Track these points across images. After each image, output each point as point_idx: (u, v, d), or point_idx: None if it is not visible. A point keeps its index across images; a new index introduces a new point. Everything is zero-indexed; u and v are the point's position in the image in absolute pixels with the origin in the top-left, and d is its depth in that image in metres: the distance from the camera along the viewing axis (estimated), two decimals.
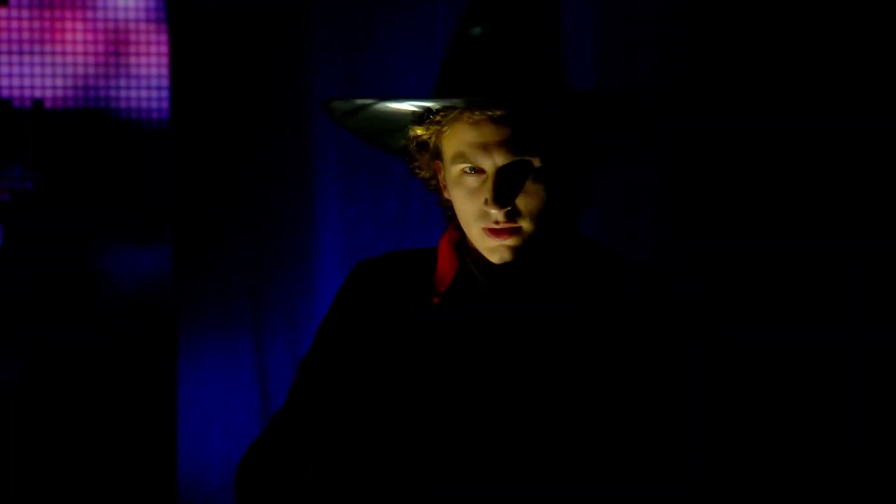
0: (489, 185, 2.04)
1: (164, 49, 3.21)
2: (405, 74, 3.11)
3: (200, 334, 3.13)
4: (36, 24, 3.20)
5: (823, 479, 3.02)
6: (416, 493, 2.02)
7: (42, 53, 3.21)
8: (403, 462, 2.01)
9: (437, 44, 3.07)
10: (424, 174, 2.16)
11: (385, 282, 2.17)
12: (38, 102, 3.21)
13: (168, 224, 3.16)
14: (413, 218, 3.13)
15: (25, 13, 3.20)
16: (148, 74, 3.23)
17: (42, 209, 3.21)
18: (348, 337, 2.15)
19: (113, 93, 3.23)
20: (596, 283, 2.13)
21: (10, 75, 3.21)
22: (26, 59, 3.21)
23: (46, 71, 3.21)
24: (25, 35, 3.21)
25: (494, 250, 2.07)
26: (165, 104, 3.21)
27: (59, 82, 3.22)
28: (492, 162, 2.03)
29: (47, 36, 3.21)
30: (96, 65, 3.23)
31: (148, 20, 3.23)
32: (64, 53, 3.21)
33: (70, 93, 3.22)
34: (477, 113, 2.03)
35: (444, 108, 2.06)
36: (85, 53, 3.22)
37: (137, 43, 3.23)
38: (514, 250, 2.07)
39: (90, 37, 3.22)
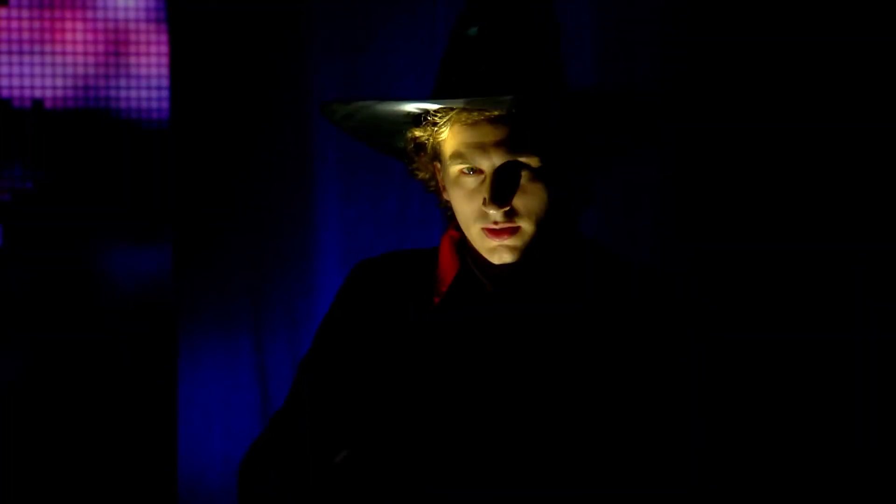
0: (487, 185, 2.04)
1: (164, 49, 3.21)
2: (405, 74, 3.11)
3: (200, 334, 3.13)
4: (36, 24, 3.21)
5: (823, 479, 3.02)
6: (417, 492, 2.02)
7: (42, 53, 3.21)
8: (404, 462, 2.01)
9: (437, 44, 3.07)
10: (423, 175, 2.16)
11: (385, 282, 2.17)
12: (38, 102, 3.21)
13: (168, 224, 3.16)
14: (413, 218, 3.13)
15: (25, 13, 3.20)
16: (148, 74, 3.23)
17: (42, 209, 3.21)
18: (348, 337, 2.15)
19: (113, 93, 3.23)
20: (596, 284, 2.13)
21: (10, 75, 3.21)
22: (26, 59, 3.21)
23: (46, 71, 3.21)
24: (25, 35, 3.21)
25: (494, 250, 2.07)
26: (165, 104, 3.21)
27: (59, 82, 3.22)
28: (490, 162, 2.04)
29: (47, 36, 3.21)
30: (96, 65, 3.23)
31: (148, 20, 3.23)
32: (64, 53, 3.21)
33: (70, 93, 3.22)
34: (475, 113, 2.03)
35: (442, 109, 2.06)
36: (85, 53, 3.22)
37: (137, 43, 3.23)
38: (514, 250, 2.07)
39: (90, 37, 3.22)
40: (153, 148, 3.22)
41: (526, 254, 2.08)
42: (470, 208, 2.06)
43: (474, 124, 2.03)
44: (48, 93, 3.22)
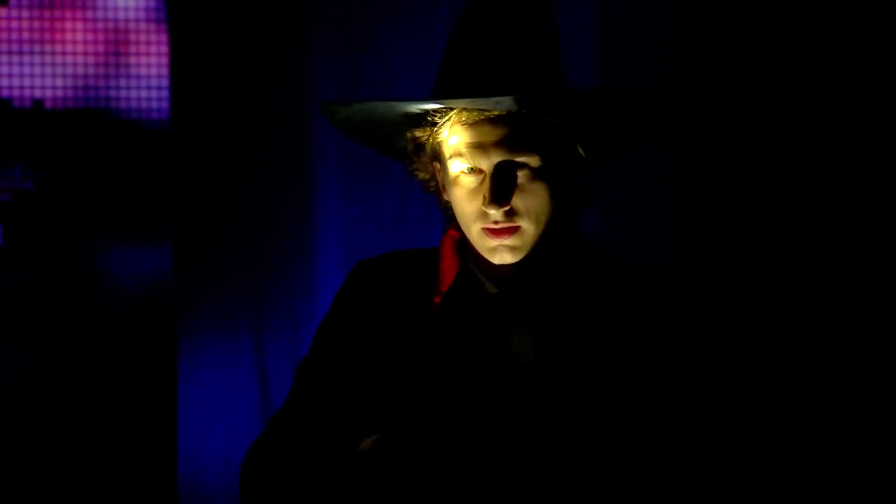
0: (487, 184, 2.04)
1: (164, 49, 3.21)
2: (405, 74, 3.11)
3: (200, 334, 3.13)
4: (36, 24, 3.21)
5: (823, 479, 3.02)
6: (417, 492, 2.02)
7: (42, 53, 3.21)
8: (404, 461, 2.01)
9: (437, 44, 3.07)
10: (423, 175, 2.16)
11: (385, 282, 2.17)
12: (38, 102, 3.21)
13: (168, 224, 3.16)
14: (413, 218, 3.13)
15: (25, 13, 3.20)
16: (148, 74, 3.23)
17: (42, 209, 3.21)
18: (348, 337, 2.15)
19: (113, 93, 3.23)
20: (596, 284, 2.13)
21: (10, 75, 3.21)
22: (26, 59, 3.21)
23: (46, 71, 3.21)
24: (25, 35, 3.21)
25: (494, 250, 2.07)
26: (165, 104, 3.21)
27: (59, 82, 3.22)
28: (490, 162, 2.04)
29: (47, 36, 3.21)
30: (96, 65, 3.23)
31: (148, 20, 3.23)
32: (64, 53, 3.22)
33: (70, 93, 3.22)
34: (475, 113, 2.03)
35: (442, 109, 2.06)
36: (85, 53, 3.22)
37: (137, 43, 3.23)
38: (514, 250, 2.07)
39: (90, 37, 3.22)
40: (153, 148, 3.22)
41: (526, 254, 2.08)
42: (470, 208, 2.06)
43: (474, 124, 2.04)
44: (48, 93, 3.22)
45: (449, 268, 2.15)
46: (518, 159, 2.04)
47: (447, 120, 2.05)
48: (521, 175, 2.04)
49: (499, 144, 2.03)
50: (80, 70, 3.22)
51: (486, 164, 2.04)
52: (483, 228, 2.06)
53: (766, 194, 3.09)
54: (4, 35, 3.20)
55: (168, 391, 3.14)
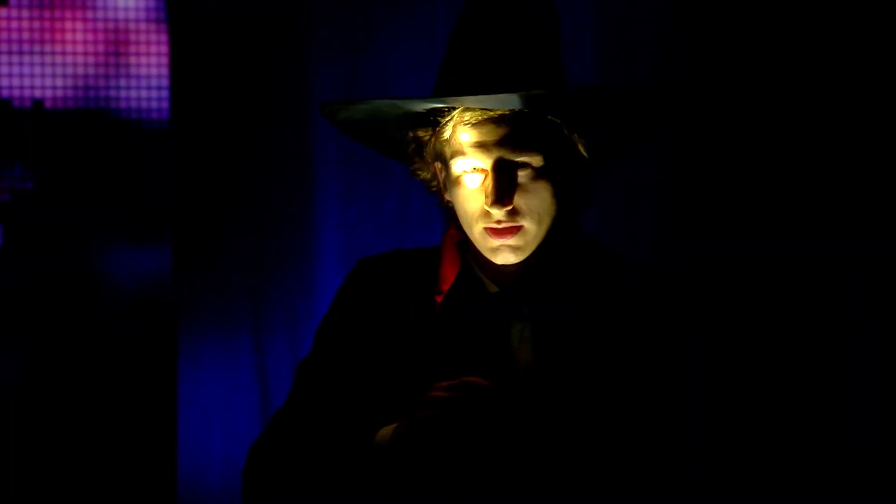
0: (490, 184, 2.04)
1: (164, 49, 3.21)
2: (405, 74, 3.11)
3: (200, 334, 3.13)
4: (36, 24, 3.20)
5: (823, 479, 3.02)
6: (417, 492, 2.02)
7: (42, 53, 3.21)
8: (405, 461, 2.01)
9: (437, 44, 3.07)
10: (425, 175, 2.16)
11: (387, 280, 2.17)
12: (38, 102, 3.21)
13: (168, 224, 3.16)
14: (413, 218, 3.13)
15: (25, 13, 3.20)
16: (148, 74, 3.23)
17: (42, 209, 3.21)
18: (350, 335, 2.14)
19: (113, 93, 3.23)
20: (596, 284, 2.13)
21: (10, 75, 3.21)
22: (26, 59, 3.21)
23: (46, 71, 3.21)
24: (25, 35, 3.21)
25: (496, 250, 2.07)
26: (165, 104, 3.21)
27: (59, 82, 3.22)
28: (492, 161, 2.03)
29: (47, 36, 3.21)
30: (96, 65, 3.23)
31: (148, 20, 3.23)
32: (64, 53, 3.21)
33: (70, 93, 3.22)
34: (478, 112, 2.03)
35: (445, 109, 2.06)
36: (85, 53, 3.22)
37: (137, 43, 3.23)
38: (517, 250, 2.07)
39: (90, 37, 3.22)
40: (153, 148, 3.22)
41: (528, 253, 2.08)
42: (472, 208, 2.06)
43: (477, 123, 2.03)
44: (48, 93, 3.22)
45: (450, 267, 2.15)
46: (521, 159, 2.04)
47: (450, 119, 2.05)
48: (524, 174, 2.04)
49: (501, 144, 2.03)
50: (80, 70, 3.22)
51: (489, 163, 2.04)
52: (485, 228, 2.06)
53: (766, 194, 3.09)
54: (4, 35, 3.20)
55: (168, 391, 3.14)
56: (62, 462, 3.17)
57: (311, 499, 2.05)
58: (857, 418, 3.04)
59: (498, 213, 2.03)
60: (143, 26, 3.23)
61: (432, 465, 2.00)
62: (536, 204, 2.05)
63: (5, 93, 3.21)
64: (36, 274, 3.20)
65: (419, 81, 3.07)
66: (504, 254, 2.07)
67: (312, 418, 2.09)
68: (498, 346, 2.08)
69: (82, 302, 3.20)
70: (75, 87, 3.22)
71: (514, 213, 2.04)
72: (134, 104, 3.23)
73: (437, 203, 2.18)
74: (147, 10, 3.23)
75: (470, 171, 2.05)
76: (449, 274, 2.14)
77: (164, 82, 3.22)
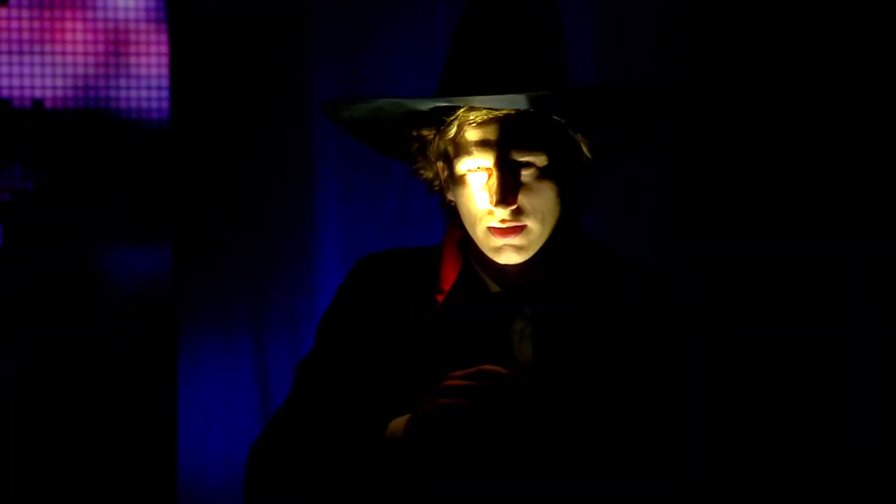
0: (494, 183, 2.04)
1: (164, 49, 3.21)
2: (405, 74, 3.11)
3: (200, 334, 3.13)
4: (36, 24, 3.20)
5: (823, 480, 3.02)
6: (418, 492, 2.02)
7: (42, 53, 3.21)
8: (425, 450, 2.01)
9: (437, 44, 3.07)
10: (427, 175, 2.16)
11: (387, 279, 2.16)
12: (38, 102, 3.21)
13: (168, 224, 3.16)
14: (413, 217, 3.13)
15: (25, 13, 3.20)
16: (148, 74, 3.23)
17: (42, 209, 3.21)
18: (351, 334, 2.14)
19: (113, 93, 3.23)
20: (597, 283, 2.13)
21: (10, 75, 3.21)
22: (26, 59, 3.21)
23: (46, 71, 3.21)
24: (25, 35, 3.21)
25: (500, 250, 2.07)
26: (165, 104, 3.21)
27: (59, 82, 3.22)
28: (496, 161, 2.03)
29: (47, 36, 3.21)
30: (96, 65, 3.23)
31: (148, 20, 3.23)
32: (64, 53, 3.21)
33: (70, 93, 3.22)
34: (483, 112, 2.03)
35: (449, 108, 2.05)
36: (85, 53, 3.22)
37: (137, 43, 3.23)
38: (520, 250, 2.07)
39: (90, 37, 3.22)
40: (153, 148, 3.22)
41: (531, 253, 2.08)
42: (476, 207, 2.06)
43: (482, 123, 2.03)
44: (48, 93, 3.22)
45: (451, 267, 2.15)
46: (525, 158, 2.04)
47: (455, 118, 2.05)
48: (528, 174, 2.05)
49: (506, 143, 2.03)
50: (80, 70, 3.22)
51: (494, 162, 2.03)
52: (489, 228, 2.06)
53: (766, 194, 3.09)
54: (4, 35, 3.20)
55: (168, 391, 3.14)
56: (62, 462, 3.17)
57: (313, 498, 2.05)
58: (857, 418, 3.04)
59: (502, 212, 2.03)
60: (143, 26, 3.23)
61: (454, 454, 1.99)
62: (540, 204, 2.05)
63: (5, 93, 3.21)
64: (36, 274, 3.20)
65: (419, 81, 3.07)
66: (508, 253, 2.07)
67: (314, 417, 2.09)
68: (498, 346, 2.08)
69: (82, 302, 3.20)
70: (75, 87, 3.22)
71: (518, 213, 2.04)
72: (134, 104, 3.23)
73: (438, 203, 2.18)
74: (147, 10, 3.23)
75: (474, 171, 2.05)
76: (450, 273, 2.14)
77: (164, 82, 3.22)
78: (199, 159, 3.12)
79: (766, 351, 3.04)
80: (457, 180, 2.08)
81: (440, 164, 2.13)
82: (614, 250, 2.20)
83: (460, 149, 2.05)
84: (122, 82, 3.23)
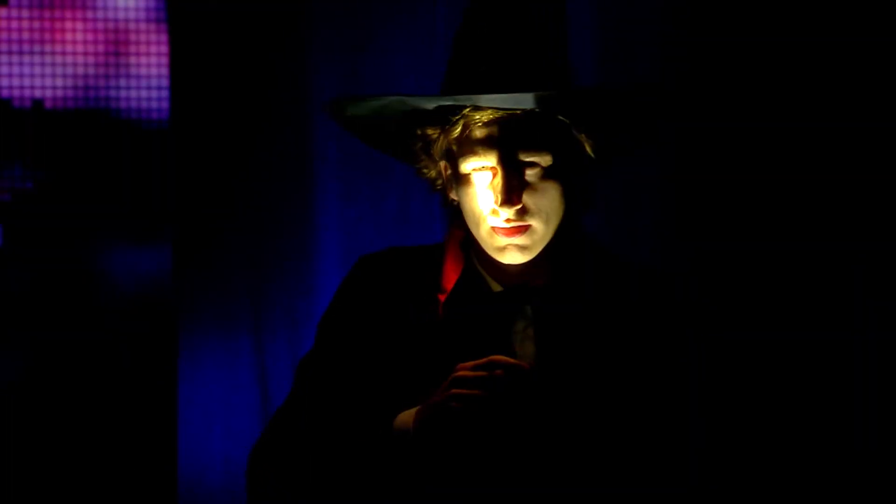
0: (499, 183, 2.04)
1: (164, 49, 3.21)
2: (405, 74, 3.11)
3: (200, 334, 3.13)
4: (36, 24, 3.20)
5: (823, 479, 3.02)
6: (418, 492, 2.02)
7: (42, 53, 3.21)
8: (414, 452, 2.01)
9: (437, 44, 3.07)
10: (430, 174, 2.16)
11: (388, 278, 2.16)
12: (38, 102, 3.21)
13: (168, 224, 3.16)
14: (413, 217, 3.13)
15: (25, 13, 3.20)
16: (148, 74, 3.23)
17: (42, 209, 3.21)
18: (351, 333, 2.14)
19: (113, 93, 3.23)
20: (598, 283, 2.13)
21: (10, 75, 3.20)
22: (26, 59, 3.21)
23: (46, 71, 3.21)
24: (25, 35, 3.21)
25: (504, 250, 2.07)
26: (165, 104, 3.21)
27: (59, 82, 3.22)
28: (502, 160, 2.03)
29: (47, 36, 3.21)
30: (96, 65, 3.23)
31: (148, 20, 3.23)
32: (64, 53, 3.21)
33: (70, 93, 3.22)
34: (488, 111, 2.03)
35: (455, 107, 2.05)
36: (85, 53, 3.22)
37: (137, 43, 3.23)
38: (524, 250, 2.07)
39: (90, 37, 3.22)
40: (153, 148, 3.22)
41: (534, 253, 2.08)
42: (480, 206, 2.06)
43: (488, 122, 2.03)
44: (48, 93, 3.21)
45: (453, 266, 2.15)
46: (530, 158, 2.04)
47: (460, 117, 2.05)
48: (533, 174, 2.05)
49: (511, 143, 2.03)
50: (80, 70, 3.22)
51: (499, 162, 2.03)
52: (493, 227, 2.06)
53: (766, 194, 3.09)
54: (4, 35, 3.20)
55: (168, 391, 3.14)
56: (62, 462, 3.17)
57: (315, 497, 2.05)
58: (857, 418, 3.04)
59: (507, 211, 2.03)
60: (143, 26, 3.23)
61: (464, 445, 1.99)
62: (545, 204, 2.05)
63: (5, 93, 3.21)
64: (36, 274, 3.20)
65: (419, 81, 3.07)
66: (512, 253, 2.07)
67: (315, 415, 2.09)
68: (500, 346, 2.08)
69: (82, 302, 3.20)
70: (75, 87, 3.22)
71: (522, 213, 2.04)
72: (134, 104, 3.23)
73: (440, 202, 2.18)
74: (147, 10, 3.23)
75: (479, 170, 2.05)
76: (452, 273, 2.14)
77: (164, 82, 3.21)
78: (199, 159, 3.12)
79: (766, 351, 3.04)
80: (461, 179, 2.07)
81: (444, 164, 2.12)
82: (614, 250, 2.20)
83: (465, 148, 2.05)
84: (122, 82, 3.23)
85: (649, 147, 2.45)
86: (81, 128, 3.22)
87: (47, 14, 3.21)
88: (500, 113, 2.03)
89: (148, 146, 3.22)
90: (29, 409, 3.17)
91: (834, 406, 3.05)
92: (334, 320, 2.17)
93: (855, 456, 3.03)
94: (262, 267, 3.14)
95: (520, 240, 2.06)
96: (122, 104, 3.23)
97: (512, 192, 2.03)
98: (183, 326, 3.13)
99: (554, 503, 2.04)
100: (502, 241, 2.06)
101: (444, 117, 2.07)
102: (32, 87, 3.21)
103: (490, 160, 2.04)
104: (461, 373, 1.98)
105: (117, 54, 3.23)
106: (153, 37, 3.23)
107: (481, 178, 2.06)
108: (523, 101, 2.02)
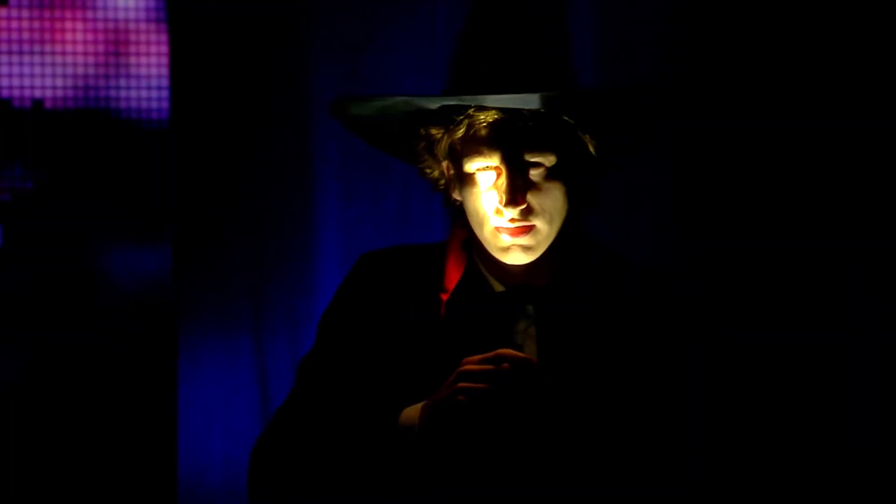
0: (504, 183, 2.04)
1: (164, 49, 3.21)
2: (405, 74, 3.11)
3: (200, 334, 3.13)
4: (36, 24, 3.20)
5: (823, 479, 3.02)
6: (421, 490, 2.02)
7: (42, 53, 3.21)
8: (420, 446, 2.01)
9: (437, 44, 3.07)
10: (433, 174, 2.16)
11: (390, 277, 2.16)
12: (38, 102, 3.21)
13: (168, 224, 3.16)
14: (413, 217, 3.13)
15: (25, 13, 3.20)
16: (148, 74, 3.23)
17: (42, 209, 3.21)
18: (353, 331, 2.14)
19: (113, 93, 3.23)
20: (600, 284, 2.13)
21: (10, 75, 3.20)
22: (26, 59, 3.21)
23: (46, 71, 3.21)
24: (25, 35, 3.20)
25: (508, 250, 2.07)
26: (165, 104, 3.21)
27: (59, 82, 3.22)
28: (506, 160, 2.03)
29: (47, 36, 3.21)
30: (96, 65, 3.23)
31: (148, 20, 3.23)
32: (64, 53, 3.21)
33: (70, 93, 3.22)
34: (493, 111, 2.03)
35: (459, 106, 2.05)
36: (85, 53, 3.22)
37: (137, 43, 3.23)
38: (528, 250, 2.07)
39: (90, 37, 3.22)
40: (153, 148, 3.22)
41: (537, 253, 2.08)
42: (484, 206, 2.06)
43: (492, 122, 2.03)
44: (48, 93, 3.21)
45: (455, 266, 2.15)
46: (534, 158, 2.04)
47: (465, 117, 2.05)
48: (537, 174, 2.05)
49: (516, 143, 2.03)
50: (80, 70, 3.22)
51: (503, 162, 2.04)
52: (497, 227, 2.06)
53: (766, 194, 3.09)
54: (4, 35, 3.20)
55: (168, 391, 3.14)
56: (62, 462, 3.17)
57: (317, 495, 2.05)
58: (857, 418, 3.03)
59: (511, 211, 2.03)
60: (143, 26, 3.23)
61: (471, 440, 1.99)
62: (549, 204, 2.05)
63: (5, 93, 3.21)
64: (36, 274, 3.20)
65: (419, 81, 3.07)
66: (516, 253, 2.07)
67: (317, 413, 2.09)
68: (502, 345, 2.08)
69: (82, 302, 3.20)
70: (75, 87, 3.22)
71: (527, 212, 2.05)
72: (134, 104, 3.23)
73: (442, 202, 2.18)
74: (147, 10, 3.23)
75: (483, 170, 2.05)
76: (454, 272, 2.14)
77: (164, 82, 3.21)
78: (199, 159, 3.12)
79: (766, 351, 3.04)
80: (465, 179, 2.07)
81: (447, 163, 2.12)
82: (614, 250, 2.20)
83: (469, 148, 2.05)
84: (122, 82, 3.23)
85: (650, 147, 2.45)
86: (81, 128, 3.22)
87: (47, 14, 3.21)
88: (505, 113, 2.03)
89: (148, 146, 3.22)
90: (29, 409, 3.17)
91: (834, 406, 3.05)
92: (336, 318, 2.17)
93: (855, 456, 3.02)
94: (262, 267, 3.14)
95: (524, 240, 2.06)
96: (122, 104, 3.23)
97: (516, 191, 2.03)
98: (183, 326, 3.12)
99: (555, 503, 2.04)
100: (506, 241, 2.06)
101: (449, 117, 2.07)
102: (32, 87, 3.21)
103: (494, 160, 2.04)
104: (467, 367, 1.98)
105: (117, 54, 3.23)
106: (153, 37, 3.23)
107: (485, 177, 2.06)
108: (529, 101, 2.02)
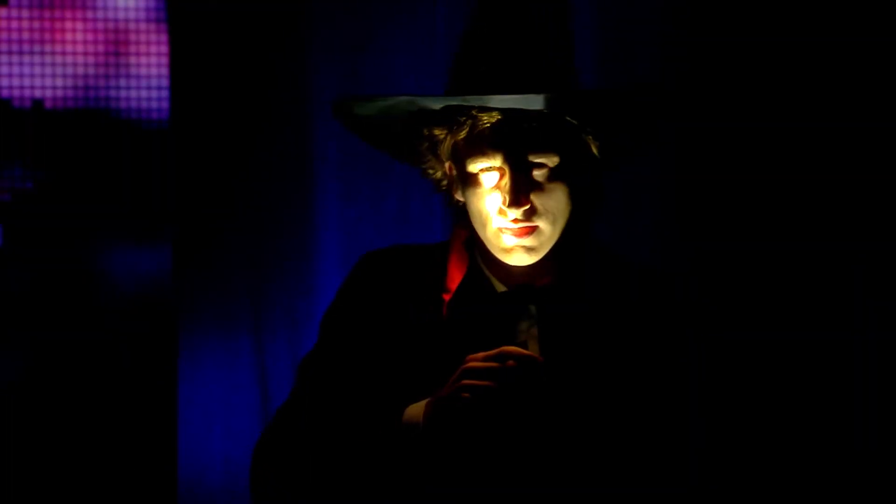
0: (507, 183, 2.04)
1: (164, 49, 3.21)
2: (405, 74, 3.11)
3: (200, 334, 3.13)
4: (36, 24, 3.20)
5: (823, 479, 3.02)
6: (423, 489, 2.02)
7: (42, 53, 3.21)
8: (424, 444, 2.01)
9: (437, 44, 3.07)
10: (436, 175, 2.16)
11: (392, 276, 2.16)
12: (38, 102, 3.21)
13: (168, 224, 3.16)
14: (413, 217, 3.13)
15: (25, 13, 3.20)
16: (148, 74, 3.23)
17: (42, 209, 3.21)
18: (354, 330, 2.14)
19: (113, 93, 3.23)
20: (602, 284, 2.13)
21: (10, 75, 3.20)
22: (26, 59, 3.21)
23: (46, 71, 3.21)
24: (25, 35, 3.20)
25: (511, 251, 2.07)
26: (165, 104, 3.21)
27: (59, 82, 3.22)
28: (510, 161, 2.03)
29: (47, 36, 3.21)
30: (96, 65, 3.23)
31: (148, 20, 3.23)
32: (64, 53, 3.21)
33: (70, 93, 3.22)
34: (496, 112, 2.03)
35: (463, 107, 2.05)
36: (85, 53, 3.22)
37: (137, 43, 3.23)
38: (531, 251, 2.07)
39: (90, 37, 3.22)
40: (153, 148, 3.22)
41: (540, 254, 2.08)
42: (487, 207, 2.06)
43: (496, 123, 2.03)
44: (48, 93, 3.21)
45: (457, 266, 2.15)
46: (538, 159, 2.04)
47: (468, 117, 2.05)
48: (540, 175, 2.05)
49: (520, 144, 2.03)
50: (80, 70, 3.22)
51: (506, 162, 2.03)
52: (500, 228, 2.06)
53: (766, 194, 3.09)
54: (4, 35, 3.20)
55: (168, 391, 3.14)
56: (62, 462, 3.17)
57: (319, 495, 2.05)
58: (857, 418, 3.04)
59: (515, 212, 2.03)
60: (143, 26, 3.23)
61: (475, 437, 1.99)
62: (552, 204, 2.05)
63: (5, 93, 3.21)
64: (36, 274, 3.20)
65: (419, 81, 3.07)
66: (518, 254, 2.07)
67: (318, 413, 2.09)
68: (504, 345, 2.08)
69: (82, 302, 3.20)
70: (75, 87, 3.22)
71: (530, 213, 2.05)
72: (134, 104, 3.23)
73: (444, 202, 2.18)
74: (147, 10, 3.23)
75: (486, 170, 2.05)
76: (456, 272, 2.14)
77: (164, 82, 3.21)
78: (199, 159, 3.12)
79: (766, 351, 3.04)
80: (468, 180, 2.07)
81: (450, 164, 2.12)
82: (614, 250, 2.20)
83: (473, 148, 2.05)
84: (122, 82, 3.23)
85: (650, 147, 2.45)
86: (81, 128, 3.22)
87: (47, 14, 3.21)
88: (509, 114, 2.03)
89: (148, 146, 3.22)
90: (29, 409, 3.17)
91: (834, 406, 3.05)
92: (338, 318, 2.17)
93: (855, 456, 3.02)
94: (262, 267, 3.14)
95: (527, 241, 2.06)
96: (122, 104, 3.23)
97: (520, 192, 2.03)
98: (183, 326, 3.12)
99: (556, 502, 2.04)
100: (509, 241, 2.06)
101: (452, 117, 2.06)
102: (32, 87, 3.21)
103: (498, 161, 2.04)
104: (472, 364, 1.98)
105: (117, 54, 3.23)
106: (153, 37, 3.23)
107: (489, 178, 2.06)
108: (533, 101, 2.01)
